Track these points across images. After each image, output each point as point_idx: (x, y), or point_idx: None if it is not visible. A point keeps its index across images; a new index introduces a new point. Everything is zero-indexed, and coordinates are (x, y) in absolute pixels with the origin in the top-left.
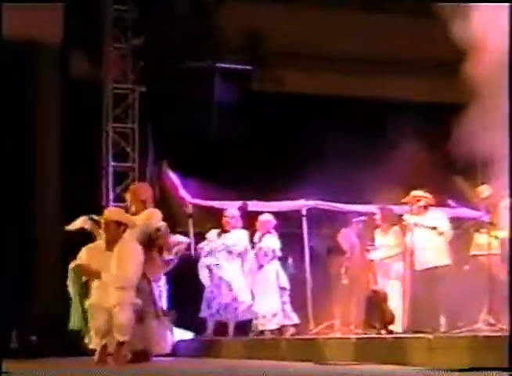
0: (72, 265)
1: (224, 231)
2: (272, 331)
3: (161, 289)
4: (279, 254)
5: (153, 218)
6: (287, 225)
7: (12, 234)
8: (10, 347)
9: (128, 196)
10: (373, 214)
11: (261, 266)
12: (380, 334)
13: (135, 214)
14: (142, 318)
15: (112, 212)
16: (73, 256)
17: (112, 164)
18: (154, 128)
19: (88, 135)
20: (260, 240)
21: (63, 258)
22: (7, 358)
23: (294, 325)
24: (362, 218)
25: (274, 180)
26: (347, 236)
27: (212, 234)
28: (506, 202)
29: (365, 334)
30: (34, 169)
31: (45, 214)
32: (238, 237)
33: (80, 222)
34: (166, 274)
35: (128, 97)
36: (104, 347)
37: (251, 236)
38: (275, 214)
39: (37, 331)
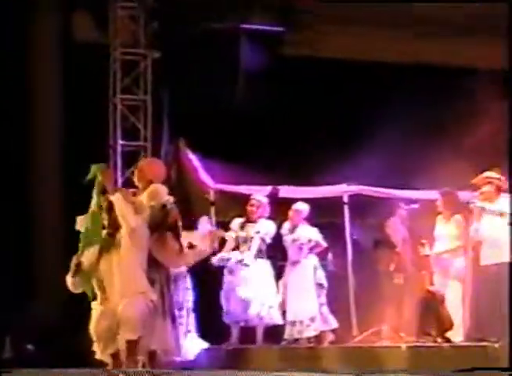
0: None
1: (248, 221)
2: (308, 339)
3: (187, 285)
4: (324, 244)
5: (157, 195)
6: (325, 214)
7: (8, 226)
8: (3, 356)
9: (135, 174)
10: (429, 201)
11: (295, 262)
12: (436, 342)
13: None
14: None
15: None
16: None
17: (120, 142)
18: (170, 100)
19: (93, 109)
20: (292, 231)
21: (64, 255)
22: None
23: (333, 331)
24: (415, 205)
25: (310, 161)
26: (396, 227)
27: (235, 224)
28: None
29: (419, 342)
30: (30, 148)
31: (45, 200)
32: (267, 228)
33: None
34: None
35: (139, 64)
36: (116, 357)
37: (278, 227)
38: (311, 201)
39: (34, 339)
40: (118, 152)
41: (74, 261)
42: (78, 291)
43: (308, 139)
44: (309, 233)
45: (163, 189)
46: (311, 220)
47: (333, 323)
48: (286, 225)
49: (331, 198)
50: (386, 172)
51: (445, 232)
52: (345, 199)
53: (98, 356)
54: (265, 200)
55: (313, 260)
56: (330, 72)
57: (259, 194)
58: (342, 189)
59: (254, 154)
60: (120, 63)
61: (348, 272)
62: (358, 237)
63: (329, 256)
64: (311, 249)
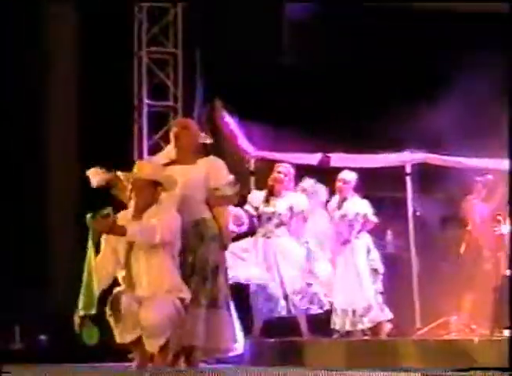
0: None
1: (271, 194)
2: (363, 331)
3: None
4: (374, 220)
5: (218, 169)
6: (384, 186)
7: (21, 212)
8: (12, 348)
9: (173, 133)
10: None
11: (344, 242)
12: None
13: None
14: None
15: (144, 167)
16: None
17: (147, 102)
18: (203, 53)
19: (115, 64)
20: (340, 205)
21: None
22: (8, 362)
23: (392, 321)
24: (489, 176)
25: (366, 124)
26: (474, 204)
27: (255, 198)
28: None
29: (493, 335)
30: (46, 110)
31: (61, 180)
32: (302, 203)
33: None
34: None
35: (169, 12)
36: (141, 353)
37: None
38: (368, 171)
39: (47, 329)
40: (144, 113)
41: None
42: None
43: (363, 99)
44: (357, 207)
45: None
46: (368, 194)
47: (388, 313)
48: (334, 200)
49: (391, 168)
50: (456, 138)
51: None
52: (408, 169)
53: (118, 339)
54: (292, 171)
55: (366, 239)
56: (393, 21)
57: (286, 164)
58: (404, 158)
59: (301, 117)
60: (146, 11)
61: (411, 255)
62: (422, 214)
63: (389, 236)
64: (362, 226)
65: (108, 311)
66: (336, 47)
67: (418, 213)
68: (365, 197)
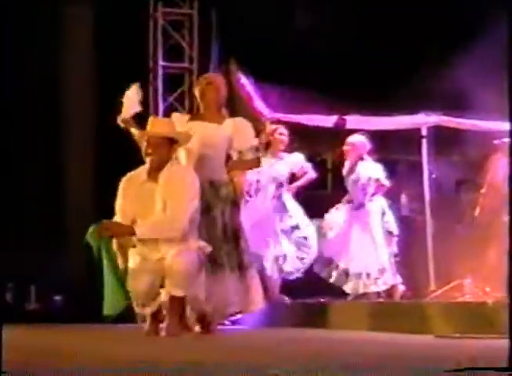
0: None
1: (273, 155)
2: (378, 294)
3: None
4: (387, 183)
5: (245, 131)
6: (399, 149)
7: (35, 174)
8: (28, 308)
9: (198, 88)
10: None
11: (359, 206)
12: None
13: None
14: (213, 269)
15: (160, 125)
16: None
17: (162, 64)
18: (220, 14)
19: (130, 24)
20: (352, 170)
21: (94, 202)
22: (23, 322)
23: (405, 284)
24: (506, 139)
25: (381, 86)
26: (499, 166)
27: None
28: None
29: (507, 297)
30: (61, 77)
31: (76, 143)
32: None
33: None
34: None
35: None
36: (156, 314)
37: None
38: (383, 134)
39: (62, 289)
40: (159, 75)
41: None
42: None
43: (378, 60)
44: (369, 171)
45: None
46: (383, 156)
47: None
48: (346, 164)
49: (406, 130)
50: (472, 100)
51: None
52: (424, 131)
53: (136, 310)
54: (286, 133)
55: (381, 202)
56: None
57: (282, 126)
58: (420, 120)
59: (317, 79)
60: None
61: (426, 218)
62: (437, 177)
63: (404, 199)
64: (376, 190)
65: (130, 288)
66: (351, 10)
67: (433, 176)
68: (380, 159)
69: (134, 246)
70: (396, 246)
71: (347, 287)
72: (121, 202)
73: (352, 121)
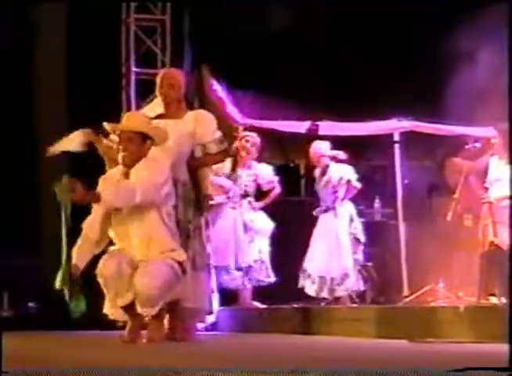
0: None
1: (236, 164)
2: (351, 298)
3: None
4: (358, 185)
5: (205, 123)
6: (373, 155)
7: (11, 177)
8: (1, 315)
9: (157, 88)
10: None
11: (327, 209)
12: (500, 302)
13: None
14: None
15: (133, 119)
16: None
17: (134, 69)
18: (192, 20)
19: (103, 31)
20: (324, 173)
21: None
22: None
23: (377, 289)
24: (477, 144)
25: (354, 92)
26: (456, 169)
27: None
28: None
29: (480, 302)
30: (34, 78)
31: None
32: (269, 173)
33: (74, 137)
34: None
35: None
36: (132, 319)
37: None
38: (356, 139)
39: (37, 296)
40: (132, 81)
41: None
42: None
43: (351, 66)
44: (340, 172)
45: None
46: (356, 161)
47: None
48: (318, 169)
49: (379, 136)
50: (443, 105)
51: (504, 175)
52: (396, 137)
53: (106, 309)
54: (258, 140)
55: (349, 208)
56: None
57: (252, 133)
58: (392, 126)
59: (290, 84)
60: None
61: (399, 223)
62: (410, 182)
63: (377, 204)
64: (346, 193)
65: (98, 274)
66: (324, 13)
67: (406, 181)
68: (352, 164)
69: (111, 242)
70: (362, 253)
71: (310, 290)
72: (94, 208)
73: (325, 126)
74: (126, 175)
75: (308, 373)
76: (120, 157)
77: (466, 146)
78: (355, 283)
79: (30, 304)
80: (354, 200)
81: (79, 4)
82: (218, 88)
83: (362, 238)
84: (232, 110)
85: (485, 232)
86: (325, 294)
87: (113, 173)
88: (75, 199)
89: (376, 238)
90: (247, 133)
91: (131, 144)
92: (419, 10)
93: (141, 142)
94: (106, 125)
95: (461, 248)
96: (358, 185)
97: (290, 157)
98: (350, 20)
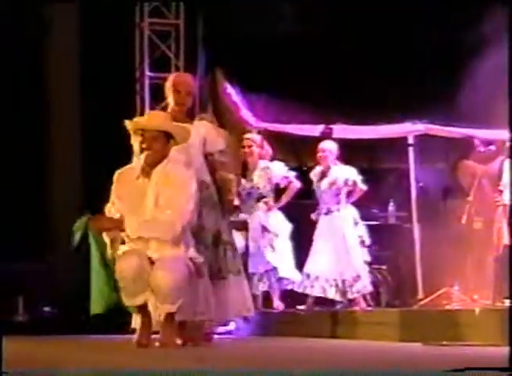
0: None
1: (246, 167)
2: (365, 299)
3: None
4: (363, 187)
5: (211, 135)
6: (387, 158)
7: (25, 184)
8: (16, 319)
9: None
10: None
11: (329, 211)
12: None
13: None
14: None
15: (157, 118)
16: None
17: (148, 74)
18: (206, 24)
19: (117, 35)
20: (325, 174)
21: (87, 206)
22: (11, 333)
23: (396, 293)
24: (492, 147)
25: (368, 95)
26: (469, 171)
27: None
28: None
29: (494, 305)
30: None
31: (62, 153)
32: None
33: None
34: None
35: None
36: (145, 323)
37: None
38: (370, 142)
39: (51, 300)
40: (146, 85)
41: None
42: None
43: (366, 70)
44: (346, 173)
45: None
46: (370, 165)
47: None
48: (318, 169)
49: (393, 139)
50: (459, 108)
51: None
52: (410, 140)
53: (125, 303)
54: (259, 140)
55: (352, 211)
56: None
57: (254, 133)
58: (406, 129)
59: (304, 88)
60: None
61: (413, 226)
62: (424, 185)
63: (391, 207)
64: (349, 195)
65: (119, 272)
66: (337, 16)
67: (420, 184)
68: (366, 168)
69: (123, 242)
70: (375, 256)
71: (318, 292)
72: (113, 196)
73: (339, 130)
74: (147, 175)
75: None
76: (142, 156)
77: (480, 149)
78: (367, 284)
79: (45, 308)
80: (368, 203)
81: (93, 7)
82: (232, 92)
83: (368, 241)
84: (246, 113)
85: (500, 234)
86: (337, 296)
87: (130, 170)
88: (101, 228)
89: (391, 241)
90: (247, 136)
91: (156, 143)
92: (432, 11)
93: (165, 141)
94: (128, 124)
95: (475, 251)
96: (364, 187)
97: (303, 160)
98: (364, 22)
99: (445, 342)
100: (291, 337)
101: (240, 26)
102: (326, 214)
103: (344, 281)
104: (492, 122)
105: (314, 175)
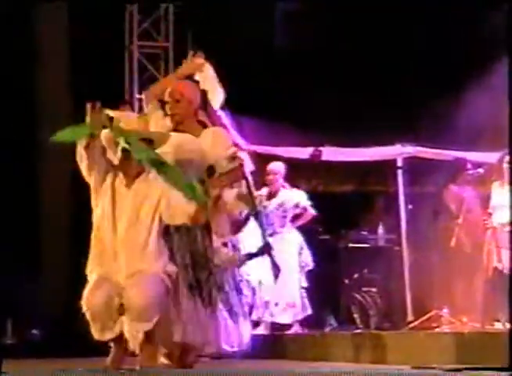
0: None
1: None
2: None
3: None
4: (313, 212)
5: (220, 140)
6: (376, 180)
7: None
8: (4, 343)
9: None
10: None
11: (274, 233)
12: (505, 328)
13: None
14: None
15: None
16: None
17: (138, 97)
18: (195, 46)
19: (106, 58)
20: (274, 195)
21: (71, 232)
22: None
23: (387, 316)
24: (480, 170)
25: (358, 118)
26: (458, 194)
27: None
28: None
29: (484, 328)
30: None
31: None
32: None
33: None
34: None
35: (160, 5)
36: (119, 340)
37: None
38: (359, 165)
39: (40, 323)
40: (135, 108)
41: None
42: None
43: (355, 91)
44: (296, 197)
45: (226, 136)
46: (359, 187)
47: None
48: (264, 191)
49: (383, 162)
50: (447, 131)
51: (505, 201)
52: (399, 162)
53: (95, 336)
54: (282, 169)
55: (298, 236)
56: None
57: (276, 163)
58: (395, 151)
59: (293, 110)
60: (137, 4)
61: (402, 249)
62: (414, 207)
63: (380, 230)
64: (295, 218)
65: (85, 306)
66: (326, 37)
67: (409, 207)
68: (355, 190)
69: None
70: (306, 280)
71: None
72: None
73: (328, 152)
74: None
75: None
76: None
77: (469, 172)
78: (300, 312)
79: (34, 331)
80: (359, 225)
81: (83, 30)
82: (222, 115)
83: (311, 265)
84: (235, 135)
85: (489, 257)
86: (267, 318)
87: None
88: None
89: (380, 264)
90: (271, 165)
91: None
92: (422, 34)
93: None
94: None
95: (465, 274)
96: (314, 212)
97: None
98: (353, 43)
99: (434, 365)
100: (275, 360)
101: (229, 48)
102: (271, 235)
103: (276, 304)
104: (480, 145)
105: (261, 195)
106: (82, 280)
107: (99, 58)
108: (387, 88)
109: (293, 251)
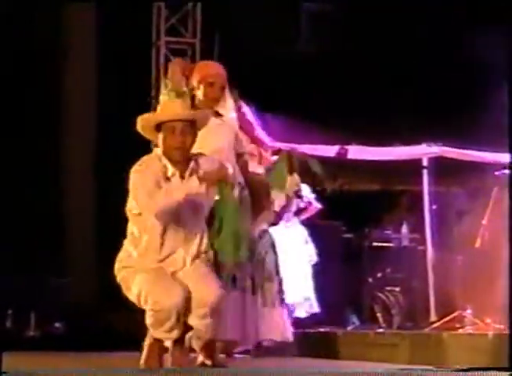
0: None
1: None
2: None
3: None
4: (318, 205)
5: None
6: (400, 180)
7: (39, 201)
8: (27, 335)
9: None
10: None
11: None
12: None
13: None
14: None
15: (176, 106)
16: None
17: None
18: (222, 43)
19: (133, 53)
20: None
21: (101, 220)
22: (22, 349)
23: (408, 315)
24: (506, 171)
25: (384, 116)
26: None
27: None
28: None
29: (508, 329)
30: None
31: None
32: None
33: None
34: None
35: (187, 1)
36: (155, 340)
37: None
38: (384, 164)
39: (63, 316)
40: None
41: None
42: None
43: (382, 90)
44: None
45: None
46: (384, 186)
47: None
48: None
49: (408, 161)
50: (474, 131)
51: None
52: (425, 162)
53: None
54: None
55: (302, 230)
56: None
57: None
58: (421, 151)
59: (320, 108)
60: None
61: (427, 248)
62: (438, 208)
63: (404, 229)
64: (299, 212)
65: (157, 307)
66: (352, 37)
67: (434, 207)
68: (380, 189)
69: None
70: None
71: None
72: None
73: (354, 151)
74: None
75: None
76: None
77: (496, 173)
78: (315, 305)
79: (57, 324)
80: (383, 224)
81: (111, 27)
82: (247, 111)
83: (315, 259)
84: (260, 133)
85: None
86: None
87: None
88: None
89: (404, 263)
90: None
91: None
92: (449, 35)
93: (194, 132)
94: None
95: (489, 275)
96: (319, 205)
97: (316, 181)
98: (379, 43)
99: (457, 366)
100: (298, 357)
101: (256, 45)
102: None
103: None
104: (507, 145)
105: None
106: (105, 274)
107: (126, 54)
108: (415, 88)
109: (298, 244)
